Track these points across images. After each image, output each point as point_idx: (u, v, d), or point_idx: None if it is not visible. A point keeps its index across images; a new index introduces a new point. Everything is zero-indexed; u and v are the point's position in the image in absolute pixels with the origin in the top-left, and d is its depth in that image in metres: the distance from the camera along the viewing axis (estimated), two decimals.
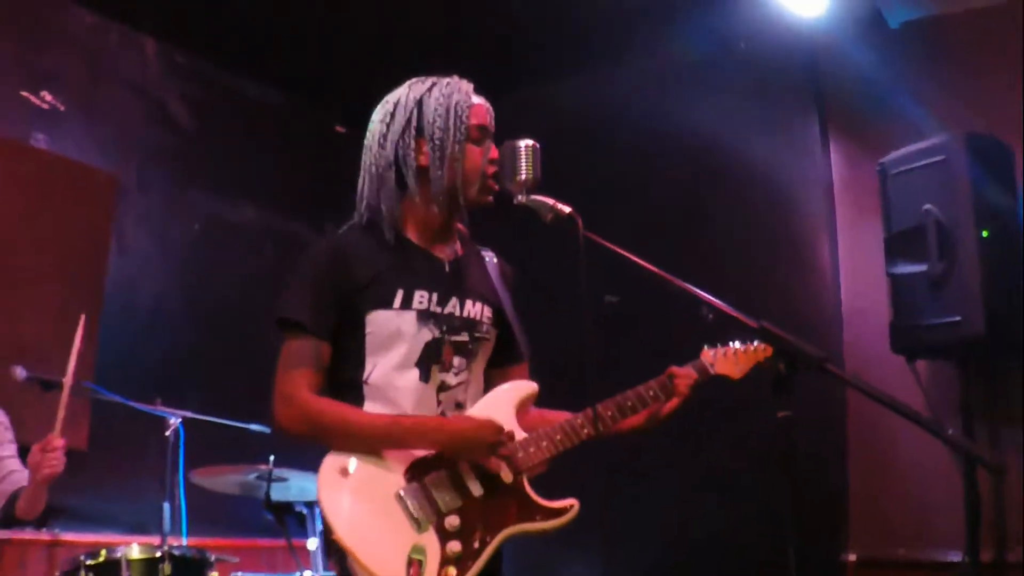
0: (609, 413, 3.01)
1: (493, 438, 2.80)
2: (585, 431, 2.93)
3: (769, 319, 2.43)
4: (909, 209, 4.87)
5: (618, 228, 2.86)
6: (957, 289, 4.67)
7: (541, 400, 3.08)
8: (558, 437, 2.91)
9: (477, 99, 3.01)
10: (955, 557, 4.87)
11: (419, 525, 2.72)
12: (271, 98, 6.88)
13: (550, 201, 2.81)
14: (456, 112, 2.93)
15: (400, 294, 2.88)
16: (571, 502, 2.87)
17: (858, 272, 5.62)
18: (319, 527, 4.86)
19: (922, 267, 4.79)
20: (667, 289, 2.59)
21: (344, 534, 2.67)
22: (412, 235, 3.00)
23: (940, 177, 4.79)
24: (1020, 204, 4.89)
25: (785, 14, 5.55)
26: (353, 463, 2.76)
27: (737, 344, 3.28)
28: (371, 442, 2.79)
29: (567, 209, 2.78)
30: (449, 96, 2.96)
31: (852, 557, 5.33)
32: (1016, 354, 4.86)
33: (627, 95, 6.40)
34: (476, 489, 2.81)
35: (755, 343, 3.28)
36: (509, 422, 2.90)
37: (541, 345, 3.12)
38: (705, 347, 3.27)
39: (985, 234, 4.67)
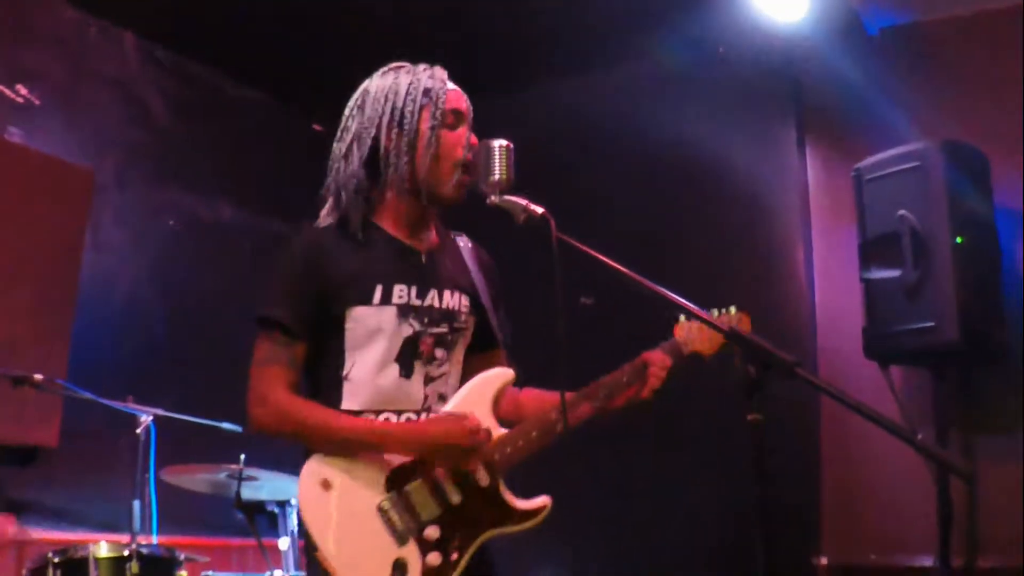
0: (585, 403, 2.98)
1: (468, 442, 2.78)
2: (559, 427, 2.89)
3: None
4: (884, 215, 4.89)
5: (594, 231, 2.85)
6: (931, 295, 4.69)
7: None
8: (534, 434, 2.89)
9: (451, 85, 3.01)
10: (926, 562, 4.89)
11: (401, 538, 2.72)
12: (249, 95, 6.86)
13: (523, 202, 2.78)
14: (429, 98, 2.93)
15: (379, 290, 2.87)
16: (544, 502, 2.87)
17: (833, 277, 5.63)
18: (290, 526, 4.85)
19: (896, 273, 4.81)
20: (640, 291, 2.58)
21: (328, 554, 2.67)
22: (387, 225, 2.98)
23: (916, 183, 4.81)
24: (995, 211, 4.91)
25: (764, 20, 5.55)
26: (334, 475, 2.75)
27: (714, 313, 3.24)
28: (347, 446, 2.78)
29: (540, 210, 2.75)
30: (421, 82, 2.95)
31: (824, 561, 5.34)
32: (990, 361, 4.88)
33: (605, 100, 6.40)
34: (455, 496, 2.79)
35: (732, 312, 3.25)
36: (486, 417, 2.87)
37: (514, 346, 3.11)
38: (681, 318, 3.21)
39: (960, 241, 4.69)
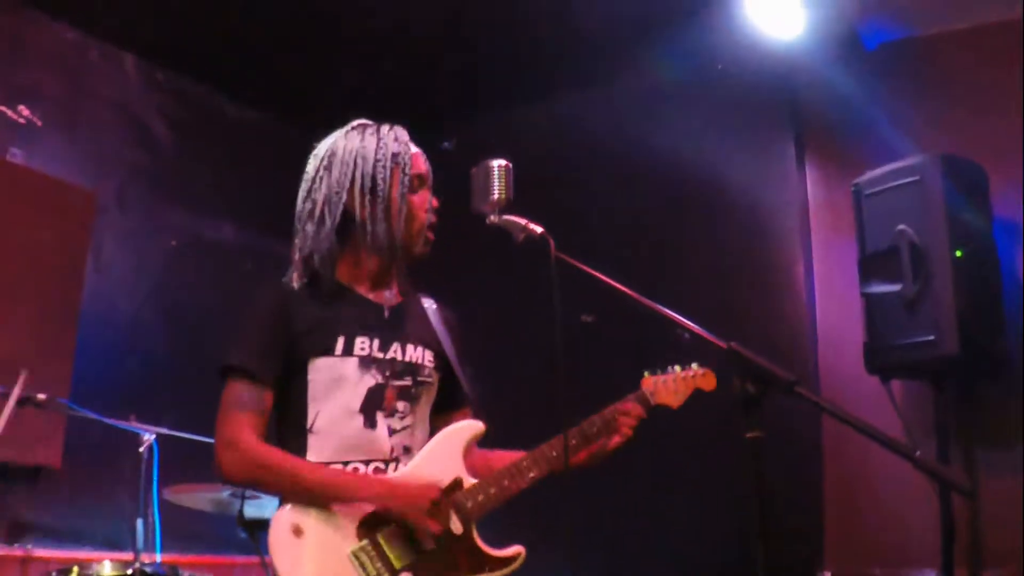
0: (554, 453, 2.97)
1: (429, 503, 2.79)
2: (531, 474, 2.94)
3: (743, 339, 2.42)
4: (884, 229, 4.90)
5: (592, 247, 2.87)
6: (931, 309, 4.69)
7: (514, 422, 3.08)
8: (505, 483, 2.92)
9: (414, 148, 3.07)
10: (929, 575, 4.88)
11: None
12: (249, 116, 6.87)
13: (522, 221, 2.81)
14: (396, 163, 2.98)
15: (341, 341, 2.90)
16: (517, 550, 2.91)
17: (833, 292, 5.64)
18: None
19: (896, 287, 4.81)
20: (640, 309, 2.59)
21: None
22: (352, 283, 3.03)
23: (915, 198, 4.82)
24: (994, 225, 4.92)
25: (762, 36, 5.56)
26: (305, 521, 2.76)
27: (677, 369, 3.26)
28: (313, 496, 2.78)
29: (539, 229, 2.78)
30: (388, 147, 3.00)
31: (827, 575, 5.33)
32: (990, 373, 4.89)
33: (604, 116, 6.41)
34: (428, 543, 2.80)
35: (695, 368, 3.26)
36: (457, 468, 2.91)
37: (513, 367, 3.12)
38: (646, 373, 3.24)
39: (959, 254, 4.69)
